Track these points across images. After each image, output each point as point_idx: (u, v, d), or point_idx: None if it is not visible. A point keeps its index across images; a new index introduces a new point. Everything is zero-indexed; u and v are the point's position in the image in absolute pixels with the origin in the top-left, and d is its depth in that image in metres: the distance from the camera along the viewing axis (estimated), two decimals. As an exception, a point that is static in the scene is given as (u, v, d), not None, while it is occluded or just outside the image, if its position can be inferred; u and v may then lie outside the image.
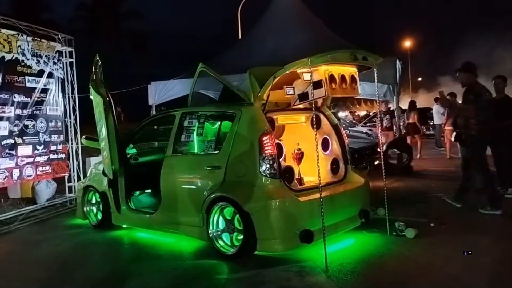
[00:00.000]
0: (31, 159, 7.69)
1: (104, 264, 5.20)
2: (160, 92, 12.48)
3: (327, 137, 5.85)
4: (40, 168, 7.91)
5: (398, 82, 10.43)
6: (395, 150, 10.62)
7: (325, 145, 5.84)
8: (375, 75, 5.54)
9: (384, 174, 5.72)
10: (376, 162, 8.96)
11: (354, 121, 18.24)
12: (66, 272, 4.99)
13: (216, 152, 5.27)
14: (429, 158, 13.15)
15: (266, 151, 4.88)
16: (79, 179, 8.93)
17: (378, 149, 5.95)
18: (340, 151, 5.82)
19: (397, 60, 10.43)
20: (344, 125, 13.53)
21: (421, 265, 4.58)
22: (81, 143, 8.02)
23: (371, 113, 20.60)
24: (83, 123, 9.18)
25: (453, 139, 8.73)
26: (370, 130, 14.78)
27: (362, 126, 16.62)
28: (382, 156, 6.07)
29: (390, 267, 4.58)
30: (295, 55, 10.43)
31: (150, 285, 4.44)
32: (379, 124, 8.93)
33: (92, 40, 35.55)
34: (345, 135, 5.92)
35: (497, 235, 5.41)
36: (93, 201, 6.91)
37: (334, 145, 5.84)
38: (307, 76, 4.90)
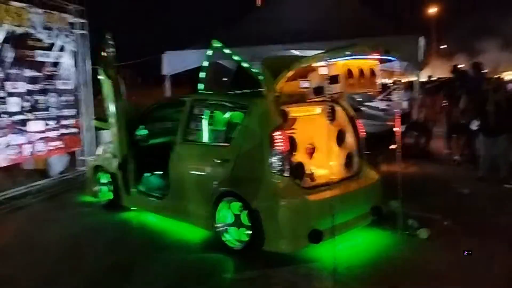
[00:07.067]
0: (42, 135, 7.67)
1: (110, 253, 5.17)
2: (174, 62, 12.25)
3: (343, 129, 5.64)
4: (52, 143, 7.89)
5: (420, 59, 10.04)
6: (414, 132, 10.34)
7: (340, 138, 5.62)
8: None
9: (400, 164, 5.46)
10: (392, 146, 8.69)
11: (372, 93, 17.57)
12: (72, 260, 4.99)
13: (226, 144, 5.11)
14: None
15: (276, 147, 4.70)
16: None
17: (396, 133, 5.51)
18: (356, 144, 5.60)
19: (421, 37, 9.99)
20: (361, 99, 13.15)
21: (430, 273, 4.44)
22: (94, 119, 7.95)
23: (390, 84, 19.84)
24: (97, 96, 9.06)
25: (474, 127, 8.38)
26: (388, 105, 14.31)
27: (380, 99, 16.09)
28: (400, 143, 5.71)
29: (399, 273, 4.44)
30: (316, 29, 10.16)
31: (156, 281, 4.41)
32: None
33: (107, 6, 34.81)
34: (361, 127, 5.68)
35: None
36: (103, 180, 6.88)
37: (349, 138, 5.62)
38: (323, 70, 4.65)
